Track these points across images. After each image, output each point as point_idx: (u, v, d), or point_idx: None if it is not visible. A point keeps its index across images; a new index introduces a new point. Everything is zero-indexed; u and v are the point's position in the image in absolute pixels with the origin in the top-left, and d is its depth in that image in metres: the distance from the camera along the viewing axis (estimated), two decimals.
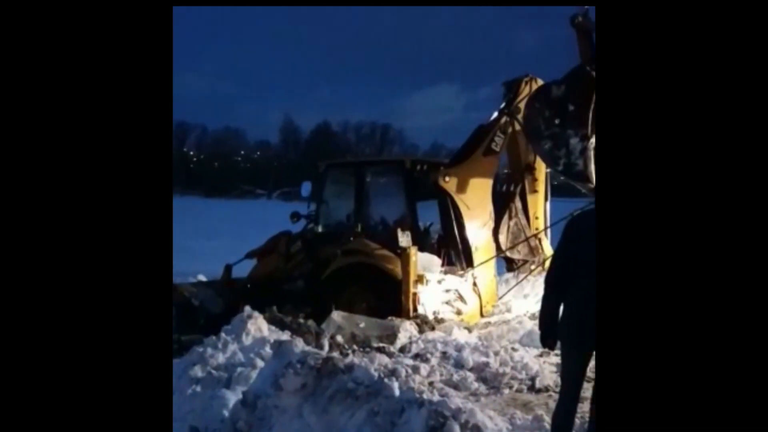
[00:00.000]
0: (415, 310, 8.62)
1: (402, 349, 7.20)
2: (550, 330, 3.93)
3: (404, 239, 9.10)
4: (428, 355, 6.81)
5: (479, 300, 9.03)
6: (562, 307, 3.94)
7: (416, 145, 69.07)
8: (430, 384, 5.94)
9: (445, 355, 6.80)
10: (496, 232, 9.40)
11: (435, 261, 9.14)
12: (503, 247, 9.50)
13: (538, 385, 6.13)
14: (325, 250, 9.76)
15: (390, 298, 8.78)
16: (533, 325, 7.71)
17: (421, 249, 8.91)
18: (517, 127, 9.54)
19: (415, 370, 6.21)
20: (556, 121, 8.34)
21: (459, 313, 8.84)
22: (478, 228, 9.20)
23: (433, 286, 8.86)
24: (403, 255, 8.75)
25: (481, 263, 9.03)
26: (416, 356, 6.88)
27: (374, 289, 9.00)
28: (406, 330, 7.64)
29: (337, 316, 7.90)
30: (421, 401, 4.53)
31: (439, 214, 10.01)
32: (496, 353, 6.84)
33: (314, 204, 10.31)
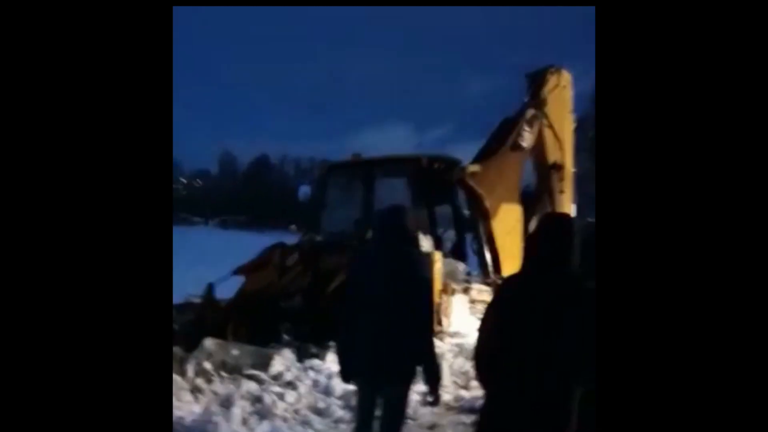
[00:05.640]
0: (440, 323, 7.36)
1: (276, 377, 6.83)
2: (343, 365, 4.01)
3: (426, 243, 7.89)
4: (298, 382, 6.65)
5: None
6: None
7: None
8: (295, 411, 5.97)
9: (315, 383, 6.68)
10: (526, 235, 8.23)
11: (460, 268, 7.93)
12: None
13: None
14: (328, 261, 8.47)
15: None
16: None
17: None
18: (544, 120, 8.52)
19: (281, 397, 6.16)
20: None
21: None
22: (507, 231, 8.02)
23: (459, 297, 7.63)
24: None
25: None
26: (287, 384, 6.66)
27: None
28: (283, 357, 7.14)
29: (209, 342, 7.05)
30: None
31: (454, 217, 8.85)
32: None
33: (313, 211, 9.04)
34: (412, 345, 3.70)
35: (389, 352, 3.71)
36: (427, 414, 5.96)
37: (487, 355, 3.07)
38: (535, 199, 8.58)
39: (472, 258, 8.45)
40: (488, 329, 3.08)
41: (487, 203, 7.95)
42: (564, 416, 2.94)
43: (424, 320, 3.73)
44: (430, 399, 3.84)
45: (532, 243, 3.20)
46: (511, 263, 7.79)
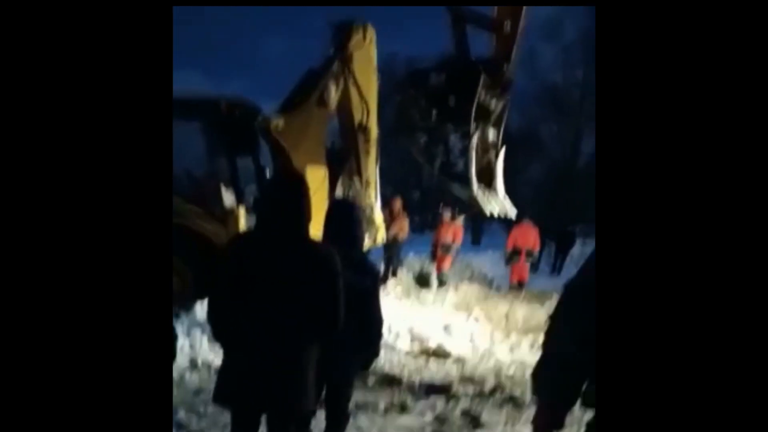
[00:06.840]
0: None
1: None
2: None
3: (229, 198, 7.32)
4: None
5: None
6: None
7: None
8: None
9: None
10: (332, 196, 8.00)
11: None
12: None
13: None
14: None
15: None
16: None
17: None
18: (350, 77, 8.31)
19: None
20: (434, 113, 7.28)
21: None
22: (313, 191, 7.71)
23: None
24: (229, 218, 6.99)
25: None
26: None
27: (192, 259, 6.99)
28: None
29: None
30: None
31: (256, 170, 8.32)
32: None
33: None
34: None
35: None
36: (194, 380, 5.82)
37: (219, 312, 3.03)
38: (340, 158, 8.37)
39: None
40: (219, 286, 3.02)
41: (294, 159, 7.56)
42: (298, 375, 2.95)
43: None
44: None
45: (262, 202, 3.14)
46: (317, 223, 7.53)
